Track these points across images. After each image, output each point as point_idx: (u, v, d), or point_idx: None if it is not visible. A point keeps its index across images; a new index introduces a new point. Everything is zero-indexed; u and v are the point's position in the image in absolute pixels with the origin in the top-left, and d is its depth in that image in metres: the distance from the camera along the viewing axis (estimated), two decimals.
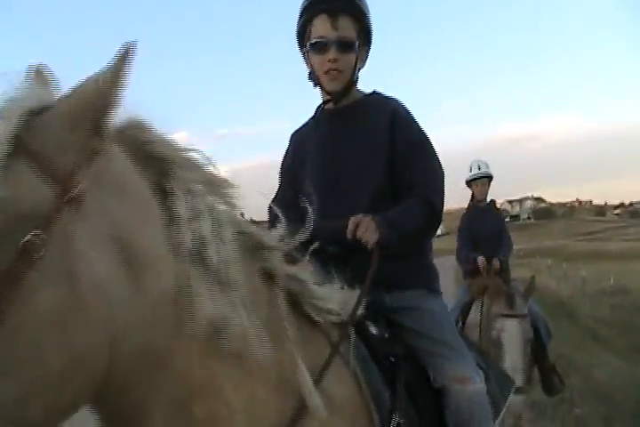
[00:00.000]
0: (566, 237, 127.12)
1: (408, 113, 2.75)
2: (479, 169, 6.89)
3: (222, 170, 1.74)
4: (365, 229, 2.29)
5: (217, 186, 1.72)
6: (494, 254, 6.42)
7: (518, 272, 19.29)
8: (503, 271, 6.42)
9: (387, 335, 2.48)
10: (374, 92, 2.85)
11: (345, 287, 2.20)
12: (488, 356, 3.49)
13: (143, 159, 1.54)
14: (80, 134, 1.34)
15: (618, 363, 9.54)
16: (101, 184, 1.37)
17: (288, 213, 2.55)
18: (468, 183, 7.02)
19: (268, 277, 1.87)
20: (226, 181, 1.74)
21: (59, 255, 1.24)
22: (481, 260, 6.28)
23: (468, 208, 7.23)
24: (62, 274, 1.24)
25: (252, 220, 2.11)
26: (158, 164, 1.56)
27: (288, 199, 2.75)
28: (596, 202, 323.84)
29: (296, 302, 1.95)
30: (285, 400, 1.72)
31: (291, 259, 2.07)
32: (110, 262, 1.34)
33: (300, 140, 2.95)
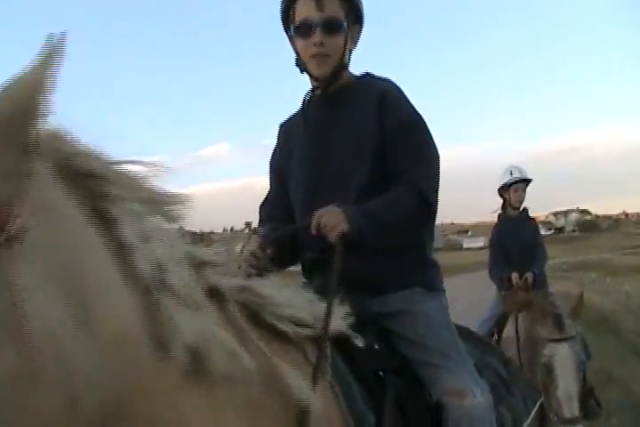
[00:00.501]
0: (611, 250, 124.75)
1: (399, 93, 2.50)
2: (520, 173, 6.40)
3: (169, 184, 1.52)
4: (332, 220, 2.07)
5: (160, 203, 1.51)
6: (528, 268, 6.01)
7: (562, 285, 19.21)
8: (538, 286, 6.02)
9: (377, 346, 2.26)
10: (366, 74, 2.63)
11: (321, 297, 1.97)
12: (511, 365, 3.17)
13: (70, 177, 1.28)
14: (10, 154, 1.11)
15: None
16: (35, 214, 1.13)
17: (273, 213, 2.65)
18: (504, 189, 6.50)
19: (215, 293, 1.64)
20: (169, 196, 1.52)
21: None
22: (515, 277, 5.90)
23: (498, 218, 6.75)
24: (6, 334, 1.02)
25: (198, 233, 1.90)
26: (89, 182, 1.31)
27: (278, 197, 2.68)
28: None
29: (256, 315, 1.74)
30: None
31: (245, 271, 2.06)
32: (59, 309, 1.11)
33: (287, 132, 2.75)
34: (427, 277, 2.54)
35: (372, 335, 2.26)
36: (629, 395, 7.98)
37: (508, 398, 2.63)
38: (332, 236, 2.05)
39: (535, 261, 6.20)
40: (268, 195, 2.78)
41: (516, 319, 5.40)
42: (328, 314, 1.85)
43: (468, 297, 22.61)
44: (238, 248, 2.17)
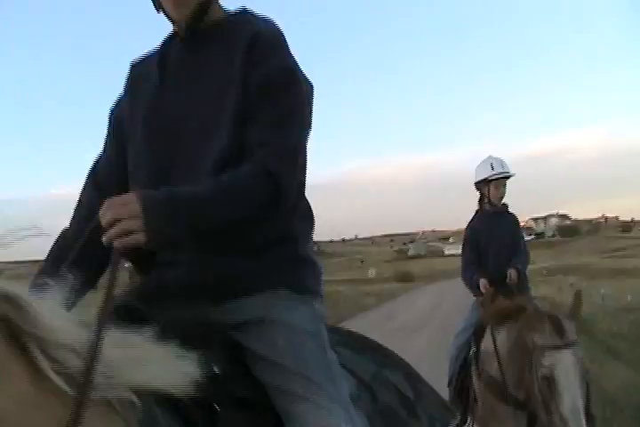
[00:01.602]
0: (591, 254, 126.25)
1: (275, 37, 1.93)
2: (502, 168, 5.69)
3: None
4: (118, 215, 1.47)
5: None
6: (509, 264, 5.36)
7: (541, 290, 19.83)
8: (521, 286, 5.37)
9: (217, 370, 1.62)
10: (244, 11, 2.04)
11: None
12: (420, 381, 2.52)
13: None
14: None
15: (629, 374, 10.03)
16: None
17: (102, 183, 2.07)
18: (484, 184, 5.74)
19: None
20: None
21: None
22: (484, 284, 5.21)
23: (475, 214, 5.98)
24: None
25: None
26: None
27: (112, 162, 2.08)
28: (622, 218, 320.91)
29: (16, 336, 1.18)
30: None
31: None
32: None
33: (140, 77, 2.09)
34: (296, 276, 1.97)
35: (216, 355, 1.67)
36: (600, 391, 8.37)
37: (410, 421, 2.18)
38: (120, 243, 1.46)
39: (518, 257, 5.54)
40: (100, 156, 2.13)
41: (492, 330, 4.52)
42: (96, 340, 1.25)
43: (450, 303, 23.19)
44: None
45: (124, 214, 1.47)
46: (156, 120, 1.95)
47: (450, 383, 5.06)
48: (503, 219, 5.83)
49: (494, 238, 5.65)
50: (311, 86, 1.99)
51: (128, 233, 1.46)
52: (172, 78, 1.98)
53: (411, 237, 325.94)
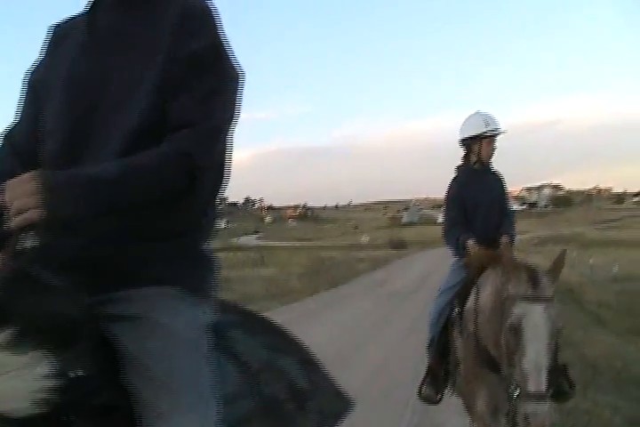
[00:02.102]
0: (584, 224, 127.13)
1: (206, 13, 1.82)
2: (495, 124, 5.14)
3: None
4: (18, 199, 1.39)
5: None
6: (499, 231, 4.85)
7: (532, 259, 20.16)
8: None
9: (79, 373, 1.42)
10: None
11: None
12: (317, 367, 2.34)
13: None
14: None
15: (613, 341, 10.38)
16: None
17: (19, 148, 1.95)
18: (473, 141, 5.15)
19: None
20: None
21: None
22: (472, 245, 4.66)
23: (458, 171, 5.35)
24: None
25: None
26: None
27: (28, 127, 1.94)
28: (615, 190, 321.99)
29: None
30: None
31: None
32: None
33: (62, 37, 1.99)
34: (189, 274, 1.83)
35: (79, 352, 1.48)
36: (582, 357, 8.57)
37: (297, 415, 2.03)
38: (15, 224, 1.40)
39: (508, 222, 5.08)
40: (14, 122, 2.01)
41: (477, 289, 4.17)
42: None
43: (442, 270, 23.43)
44: None
45: (20, 194, 1.39)
46: (75, 87, 1.82)
47: (430, 347, 4.77)
48: (491, 177, 5.26)
49: (483, 198, 5.03)
50: (241, 74, 1.86)
51: (22, 211, 1.38)
52: (95, 43, 1.86)
53: (404, 205, 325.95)
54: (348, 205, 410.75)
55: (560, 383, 4.11)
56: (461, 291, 4.46)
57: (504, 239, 4.69)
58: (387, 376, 7.80)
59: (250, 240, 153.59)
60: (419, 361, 4.48)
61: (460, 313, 4.32)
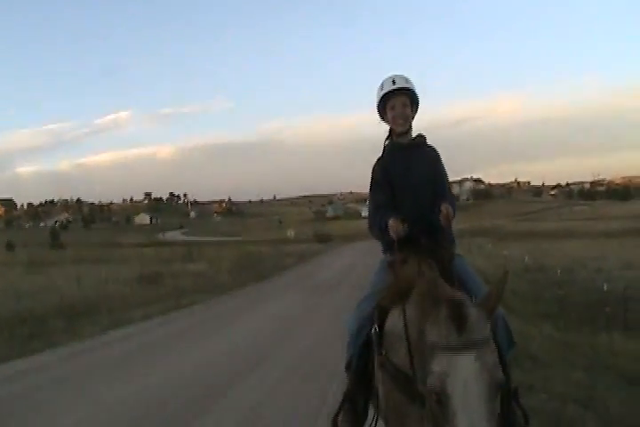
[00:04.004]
0: (504, 217, 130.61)
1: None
2: (394, 83, 4.01)
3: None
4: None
5: None
6: (431, 212, 3.62)
7: None
8: (448, 235, 3.72)
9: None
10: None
11: None
12: None
13: None
14: None
15: (517, 325, 11.56)
16: None
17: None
18: (382, 109, 4.13)
19: None
20: None
21: None
22: (393, 223, 3.47)
23: (384, 150, 4.19)
24: None
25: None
26: None
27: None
28: (534, 183, 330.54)
29: None
30: None
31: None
32: None
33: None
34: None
35: None
36: None
37: None
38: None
39: (445, 199, 3.76)
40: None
41: (404, 309, 3.03)
42: None
43: (366, 263, 24.36)
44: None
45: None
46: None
47: (348, 367, 3.69)
48: (421, 153, 4.09)
49: (411, 178, 3.97)
50: None
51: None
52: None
53: (329, 199, 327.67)
54: (273, 199, 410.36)
55: (510, 412, 3.04)
56: (381, 305, 3.37)
57: (443, 208, 3.47)
58: (315, 359, 8.49)
59: (176, 235, 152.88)
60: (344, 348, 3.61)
61: (380, 332, 3.29)
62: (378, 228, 3.70)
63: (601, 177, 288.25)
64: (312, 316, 13.20)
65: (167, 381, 7.35)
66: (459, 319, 2.43)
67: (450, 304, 2.47)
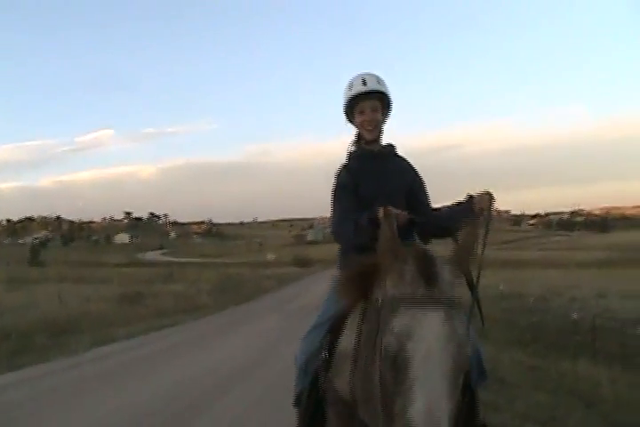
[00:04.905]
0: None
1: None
2: (364, 84, 3.48)
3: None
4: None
5: None
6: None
7: None
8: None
9: None
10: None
11: None
12: None
13: None
14: None
15: (489, 349, 11.91)
16: None
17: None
18: (349, 111, 3.60)
19: None
20: None
21: None
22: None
23: (350, 156, 3.61)
24: None
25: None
26: None
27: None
28: (514, 212, 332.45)
29: None
30: None
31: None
32: None
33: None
34: None
35: None
36: None
37: None
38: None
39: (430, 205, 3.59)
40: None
41: (363, 314, 2.43)
42: None
43: None
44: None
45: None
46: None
47: (297, 403, 3.26)
48: (394, 163, 3.62)
49: (384, 188, 3.45)
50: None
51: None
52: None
53: (309, 223, 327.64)
54: (254, 221, 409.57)
55: None
56: (334, 325, 2.93)
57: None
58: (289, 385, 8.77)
59: (155, 256, 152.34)
60: None
61: (328, 357, 2.86)
62: (353, 228, 3.01)
63: (580, 207, 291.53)
64: (292, 341, 13.12)
65: (153, 396, 7.58)
66: (428, 273, 2.08)
67: (418, 256, 2.16)
